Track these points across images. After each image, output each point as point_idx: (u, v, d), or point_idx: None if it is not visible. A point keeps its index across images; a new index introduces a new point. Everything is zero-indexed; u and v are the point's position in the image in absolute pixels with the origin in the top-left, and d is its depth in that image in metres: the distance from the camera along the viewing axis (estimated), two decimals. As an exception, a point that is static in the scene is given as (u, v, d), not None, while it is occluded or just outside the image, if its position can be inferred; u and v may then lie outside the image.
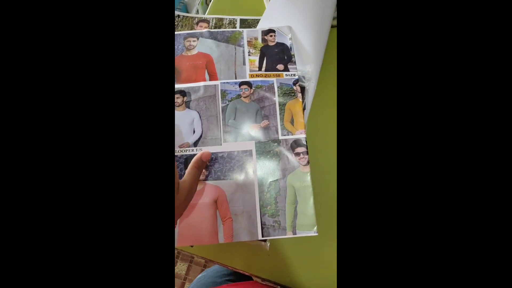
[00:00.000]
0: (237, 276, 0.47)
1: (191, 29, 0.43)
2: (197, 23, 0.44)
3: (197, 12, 0.49)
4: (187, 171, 0.31)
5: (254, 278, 0.37)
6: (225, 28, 0.43)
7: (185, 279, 1.06)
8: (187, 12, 0.50)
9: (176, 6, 0.49)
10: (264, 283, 0.36)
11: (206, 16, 0.43)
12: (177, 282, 1.04)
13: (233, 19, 0.43)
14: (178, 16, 0.45)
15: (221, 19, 0.43)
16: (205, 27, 0.44)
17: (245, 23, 0.43)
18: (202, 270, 1.00)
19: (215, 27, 0.43)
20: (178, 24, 0.44)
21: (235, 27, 0.43)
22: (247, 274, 0.36)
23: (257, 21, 0.42)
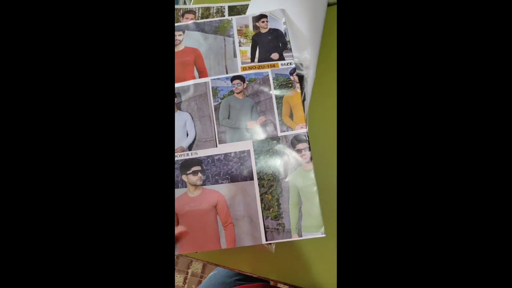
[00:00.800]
0: (245, 276, 0.46)
1: (176, 22, 0.40)
2: (182, 15, 0.41)
3: (184, 3, 0.46)
4: None
5: (271, 282, 0.37)
6: (213, 17, 0.40)
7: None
8: (175, 3, 0.47)
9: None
10: (278, 286, 0.35)
11: (191, 6, 0.40)
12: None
13: (221, 6, 0.39)
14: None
15: (208, 8, 0.39)
16: (191, 19, 0.40)
17: (234, 10, 0.40)
18: (199, 282, 1.00)
19: (202, 17, 0.40)
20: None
21: (224, 16, 0.40)
22: (255, 276, 0.36)
23: (247, 6, 0.39)
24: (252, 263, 0.34)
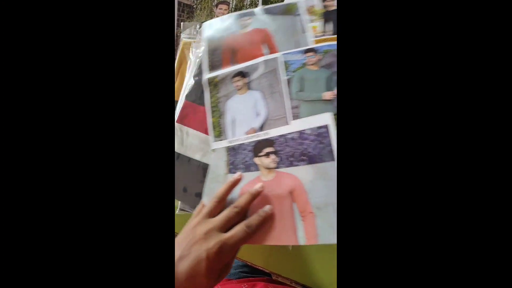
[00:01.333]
0: (250, 269, 0.41)
1: (210, 12, 0.40)
2: (216, 5, 0.41)
3: None
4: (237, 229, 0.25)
5: (273, 276, 0.35)
6: (246, 9, 0.38)
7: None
8: None
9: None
10: (279, 280, 0.33)
11: None
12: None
13: (254, 0, 0.37)
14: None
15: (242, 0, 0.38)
16: (225, 9, 0.40)
17: (268, 2, 0.38)
18: None
19: (235, 9, 0.39)
20: (197, 7, 0.42)
21: (257, 6, 0.38)
22: (260, 268, 0.34)
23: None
24: (266, 257, 0.33)
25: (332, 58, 0.30)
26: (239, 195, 0.29)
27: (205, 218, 0.26)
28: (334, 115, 0.28)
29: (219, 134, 0.32)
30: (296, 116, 0.29)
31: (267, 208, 0.27)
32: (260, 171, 0.29)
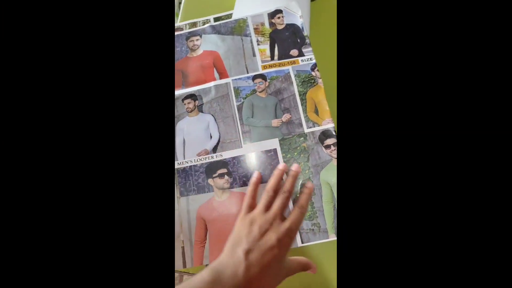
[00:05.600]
0: None
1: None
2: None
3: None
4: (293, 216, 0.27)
5: None
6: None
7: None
8: None
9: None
10: None
11: (178, 24, 0.39)
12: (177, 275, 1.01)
13: (206, 19, 0.38)
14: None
15: (195, 23, 0.38)
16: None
17: (219, 21, 0.39)
18: None
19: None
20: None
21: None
22: None
23: (231, 16, 0.38)
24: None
25: (279, 85, 0.34)
26: (196, 218, 0.30)
27: (263, 211, 0.27)
28: (280, 140, 0.32)
29: (171, 154, 0.32)
30: (247, 140, 0.32)
31: (309, 184, 0.29)
32: (214, 192, 0.31)
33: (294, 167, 0.30)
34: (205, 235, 0.30)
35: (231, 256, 0.25)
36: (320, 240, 0.29)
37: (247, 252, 0.24)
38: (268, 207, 0.28)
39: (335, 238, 0.29)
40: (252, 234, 0.26)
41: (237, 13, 0.38)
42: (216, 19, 0.38)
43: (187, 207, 0.31)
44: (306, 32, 0.35)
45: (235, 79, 0.34)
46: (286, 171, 0.30)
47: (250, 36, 0.36)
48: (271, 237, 0.25)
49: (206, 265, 0.33)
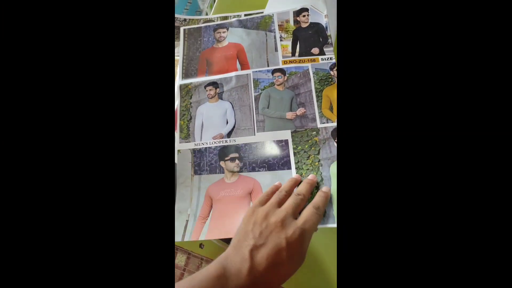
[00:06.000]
0: None
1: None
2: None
3: (206, 14, 0.48)
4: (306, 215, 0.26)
5: None
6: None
7: (184, 270, 1.04)
8: (198, 9, 0.48)
9: (183, 8, 0.47)
10: None
11: (210, 16, 0.42)
12: (177, 272, 1.03)
13: (237, 15, 0.40)
14: (185, 20, 0.44)
15: (226, 17, 0.41)
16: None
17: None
18: (201, 263, 0.98)
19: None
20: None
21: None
22: None
23: (261, 13, 0.39)
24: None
25: (297, 80, 0.35)
26: (204, 196, 0.32)
27: (274, 207, 0.26)
28: (292, 132, 0.33)
29: (186, 136, 0.35)
30: (261, 129, 0.34)
31: (324, 188, 0.29)
32: (224, 174, 0.33)
33: (311, 176, 0.30)
34: (209, 213, 0.32)
35: (237, 251, 0.24)
36: (325, 225, 0.29)
37: (252, 250, 0.23)
38: (280, 204, 0.27)
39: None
40: (260, 229, 0.24)
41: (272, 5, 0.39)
42: (246, 16, 0.41)
43: (198, 185, 0.33)
44: (329, 32, 0.36)
45: (256, 71, 0.36)
46: (300, 181, 0.30)
47: (274, 32, 0.37)
48: (280, 236, 0.23)
49: (201, 243, 0.35)
